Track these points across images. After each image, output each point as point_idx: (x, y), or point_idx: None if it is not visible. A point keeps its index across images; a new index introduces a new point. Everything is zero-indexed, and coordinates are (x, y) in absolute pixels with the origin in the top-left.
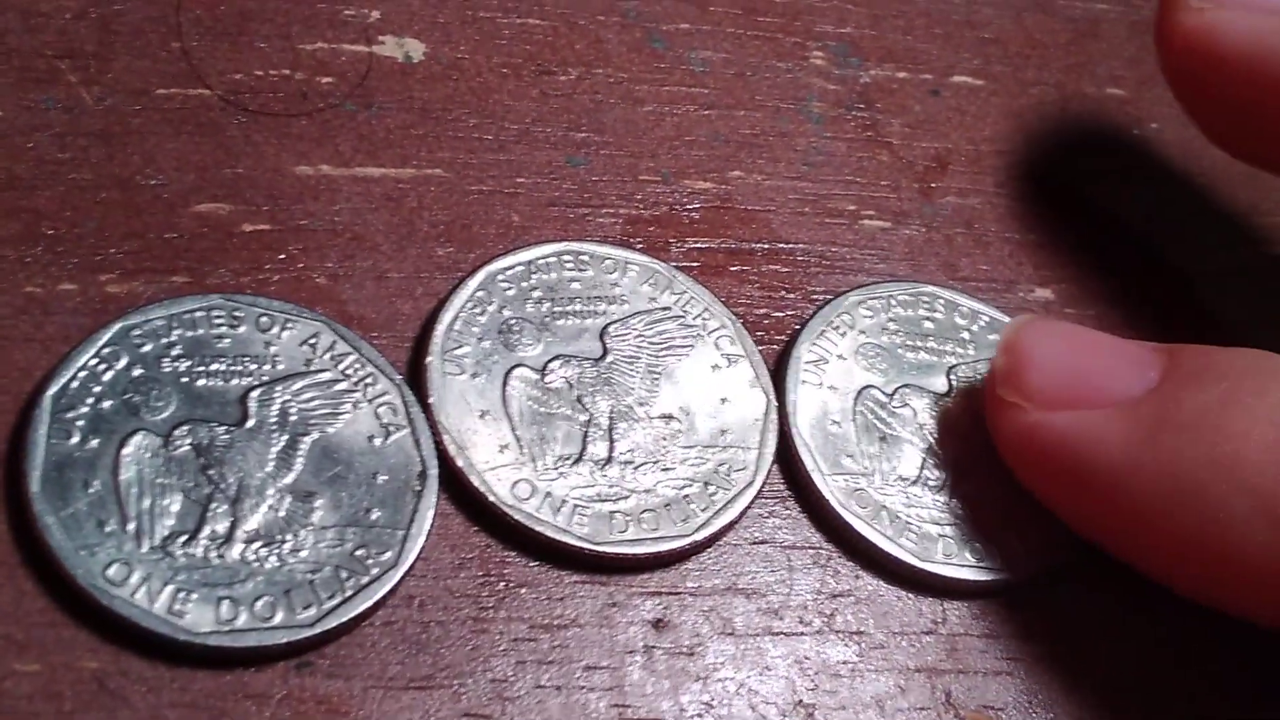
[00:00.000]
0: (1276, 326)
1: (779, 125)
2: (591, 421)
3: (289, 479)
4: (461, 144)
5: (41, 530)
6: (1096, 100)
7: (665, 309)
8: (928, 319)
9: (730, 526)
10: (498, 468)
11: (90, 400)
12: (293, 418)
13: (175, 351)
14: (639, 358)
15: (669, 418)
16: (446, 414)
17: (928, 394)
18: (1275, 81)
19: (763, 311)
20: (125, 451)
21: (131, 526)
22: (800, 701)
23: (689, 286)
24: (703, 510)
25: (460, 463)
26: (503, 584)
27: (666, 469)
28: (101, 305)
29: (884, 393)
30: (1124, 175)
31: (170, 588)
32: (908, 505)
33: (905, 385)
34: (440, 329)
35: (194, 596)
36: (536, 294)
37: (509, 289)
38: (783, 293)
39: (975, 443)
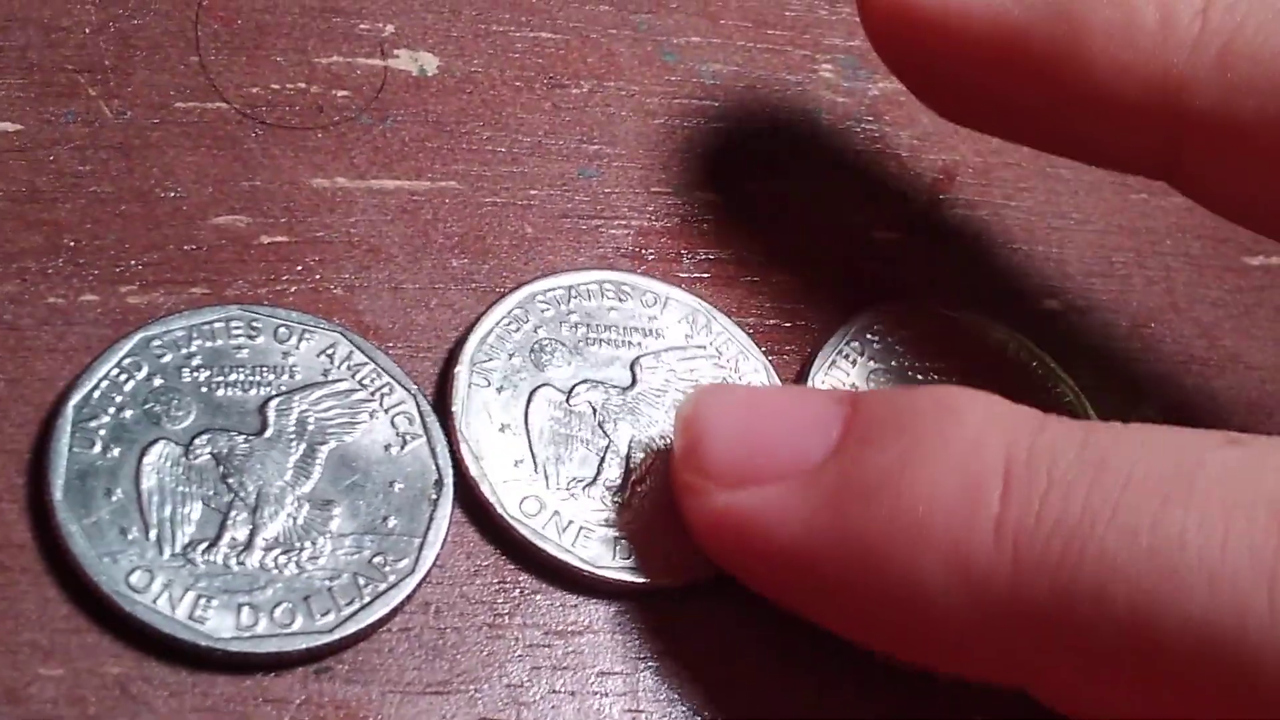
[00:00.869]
0: None
1: (789, 137)
2: (610, 448)
3: (307, 487)
4: (475, 156)
5: (65, 538)
6: None
7: (700, 347)
8: (931, 339)
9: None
10: (510, 481)
11: (112, 410)
12: (310, 427)
13: (195, 362)
14: (666, 391)
15: None
16: (467, 423)
17: None
18: (973, 38)
19: (773, 323)
20: (146, 460)
21: (153, 534)
22: None
23: (727, 328)
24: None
25: (474, 472)
26: (517, 590)
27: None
28: (122, 316)
29: None
30: (1130, 186)
31: (191, 594)
32: None
33: None
34: (474, 340)
35: (215, 603)
36: (574, 318)
37: (547, 310)
38: (793, 304)
39: None
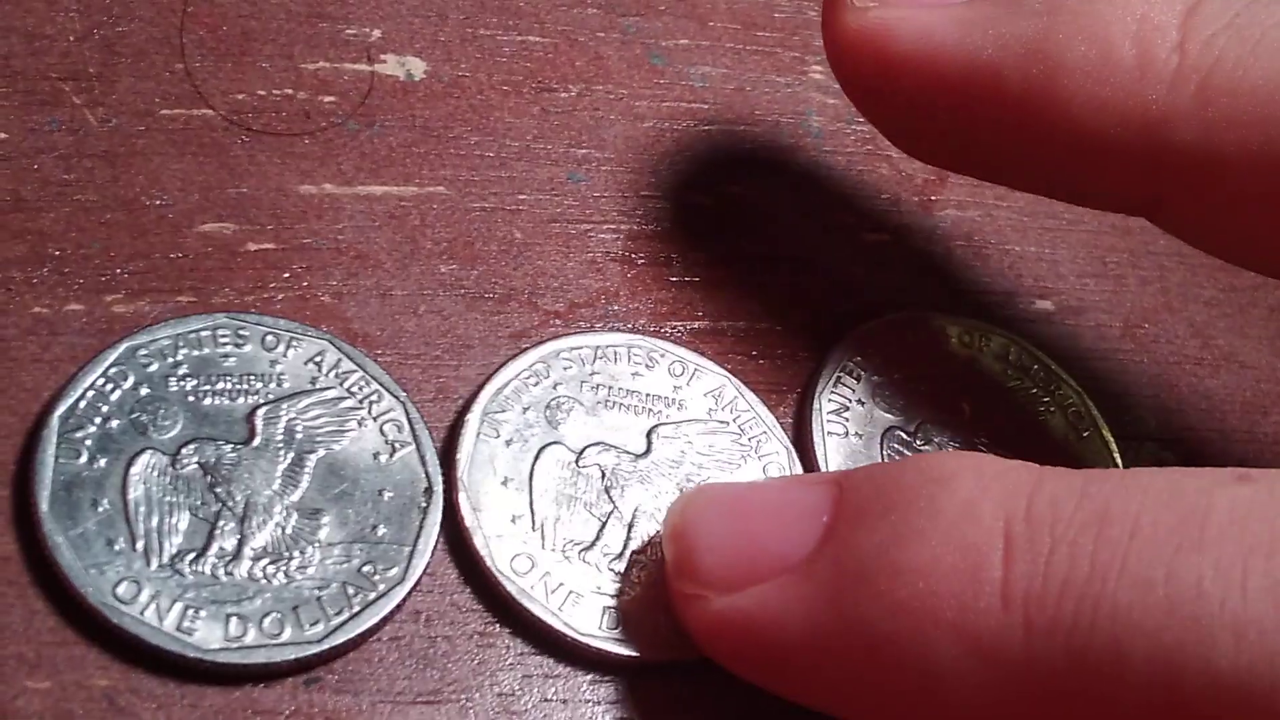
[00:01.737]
0: None
1: (778, 140)
2: (614, 514)
3: (295, 496)
4: (463, 161)
5: (51, 549)
6: None
7: (723, 423)
8: (929, 347)
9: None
10: (505, 536)
11: (98, 420)
12: (299, 435)
13: (182, 371)
14: (681, 464)
15: None
16: (469, 474)
17: (949, 426)
18: (946, 79)
19: (764, 326)
20: (133, 470)
21: (140, 545)
22: None
23: (753, 405)
24: None
25: (469, 522)
26: None
27: None
28: (108, 325)
29: (906, 432)
30: None
31: (179, 605)
32: None
33: (924, 421)
34: (489, 390)
35: (202, 614)
36: (596, 379)
37: (570, 368)
38: (784, 308)
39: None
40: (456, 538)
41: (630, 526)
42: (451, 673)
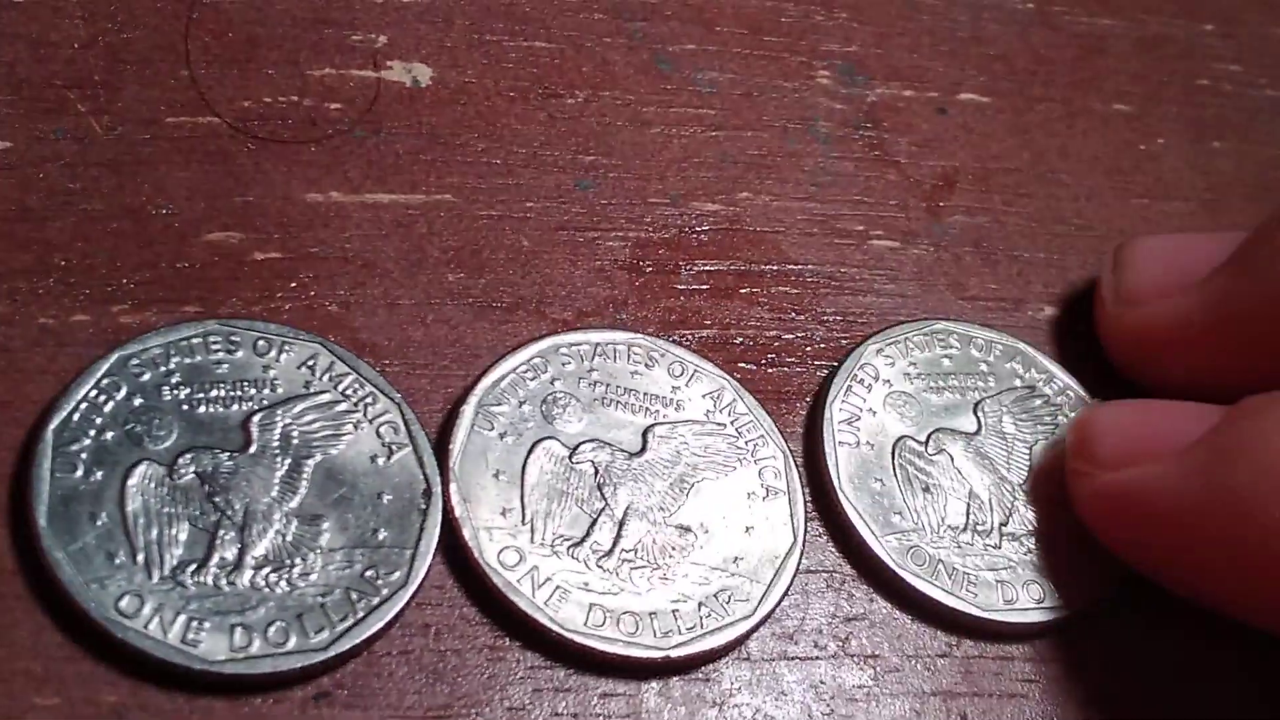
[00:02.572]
0: None
1: (786, 145)
2: (605, 511)
3: (294, 503)
4: (470, 169)
5: (51, 565)
6: (1103, 116)
7: (720, 425)
8: (945, 356)
9: (709, 654)
10: (494, 529)
11: (92, 432)
12: (295, 441)
13: (175, 379)
14: (675, 465)
15: (685, 529)
16: (462, 465)
17: (960, 435)
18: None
19: (773, 334)
20: (130, 482)
21: (141, 557)
22: None
23: (752, 409)
24: (687, 629)
25: (459, 513)
26: None
27: (666, 579)
28: (114, 336)
29: (918, 441)
30: (1131, 191)
31: (183, 617)
32: (962, 555)
33: (938, 430)
34: (486, 382)
35: (207, 625)
36: (595, 376)
37: (568, 364)
38: (792, 314)
39: (1013, 480)
40: (447, 529)
41: (621, 524)
42: (461, 687)
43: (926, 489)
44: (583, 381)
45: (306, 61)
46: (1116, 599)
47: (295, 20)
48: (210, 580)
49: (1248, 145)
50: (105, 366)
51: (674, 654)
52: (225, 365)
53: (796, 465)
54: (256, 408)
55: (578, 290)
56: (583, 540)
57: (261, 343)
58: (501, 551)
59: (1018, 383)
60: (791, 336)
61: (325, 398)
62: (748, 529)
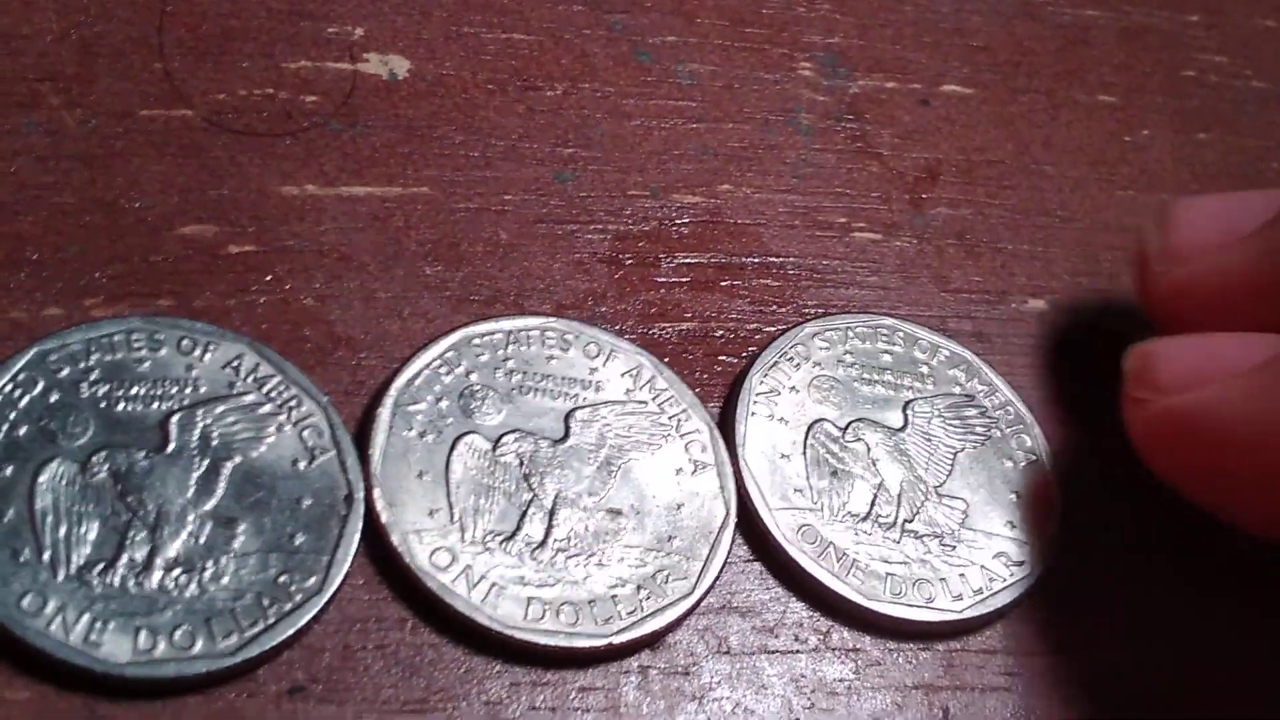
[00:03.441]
0: None
1: (768, 137)
2: (534, 502)
3: (210, 505)
4: (448, 161)
5: None
6: (1087, 107)
7: (641, 402)
8: (886, 352)
9: (653, 636)
10: (422, 531)
11: (4, 427)
12: (214, 442)
13: (94, 376)
14: (600, 447)
15: (617, 513)
16: (384, 469)
17: (882, 428)
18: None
19: (754, 326)
20: (41, 479)
21: (47, 556)
22: (797, 719)
23: (672, 384)
24: (628, 614)
25: (385, 519)
26: None
27: (602, 564)
28: None
29: (837, 426)
30: (1116, 183)
31: (86, 617)
32: (856, 542)
33: (859, 419)
34: (399, 381)
35: (111, 626)
36: (510, 364)
37: (482, 355)
38: (774, 307)
39: (929, 481)
40: (374, 535)
41: (552, 514)
42: (438, 681)
43: (835, 473)
44: (499, 371)
45: (282, 54)
46: (1010, 608)
47: (270, 12)
48: (118, 581)
49: (1233, 136)
50: (22, 361)
51: (616, 640)
52: (147, 363)
53: (723, 439)
54: (176, 407)
55: (557, 283)
56: (514, 534)
57: (185, 341)
58: (433, 553)
59: (956, 389)
60: (773, 329)
61: (248, 399)
62: (679, 506)
